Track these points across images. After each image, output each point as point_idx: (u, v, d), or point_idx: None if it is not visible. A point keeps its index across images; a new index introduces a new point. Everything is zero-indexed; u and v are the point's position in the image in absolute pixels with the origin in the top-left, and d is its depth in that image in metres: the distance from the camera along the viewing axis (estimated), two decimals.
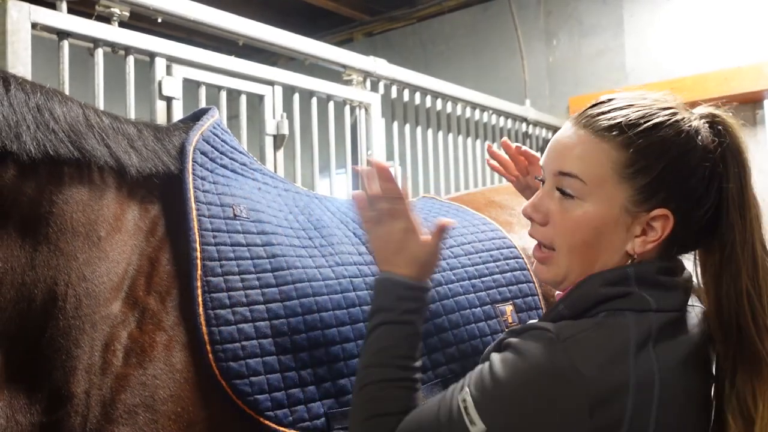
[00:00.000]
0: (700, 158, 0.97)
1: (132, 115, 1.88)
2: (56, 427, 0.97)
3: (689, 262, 1.06)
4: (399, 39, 5.04)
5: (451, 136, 3.28)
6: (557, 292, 1.12)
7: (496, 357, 0.94)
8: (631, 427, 0.88)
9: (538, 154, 1.20)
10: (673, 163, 0.96)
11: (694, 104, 1.04)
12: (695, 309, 1.03)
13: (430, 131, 3.16)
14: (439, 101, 3.19)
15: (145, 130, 1.21)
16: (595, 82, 4.09)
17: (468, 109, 3.38)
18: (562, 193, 1.00)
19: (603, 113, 1.00)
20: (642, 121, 0.98)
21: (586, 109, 1.03)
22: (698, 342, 0.98)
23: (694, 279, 1.04)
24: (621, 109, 0.99)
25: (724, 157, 0.99)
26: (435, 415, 0.95)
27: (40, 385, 0.99)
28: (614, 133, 0.97)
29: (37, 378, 0.99)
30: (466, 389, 0.93)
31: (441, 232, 1.07)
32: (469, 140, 3.39)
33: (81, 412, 0.97)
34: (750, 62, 3.54)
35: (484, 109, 3.48)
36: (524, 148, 1.44)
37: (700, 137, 0.98)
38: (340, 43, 4.55)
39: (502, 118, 3.61)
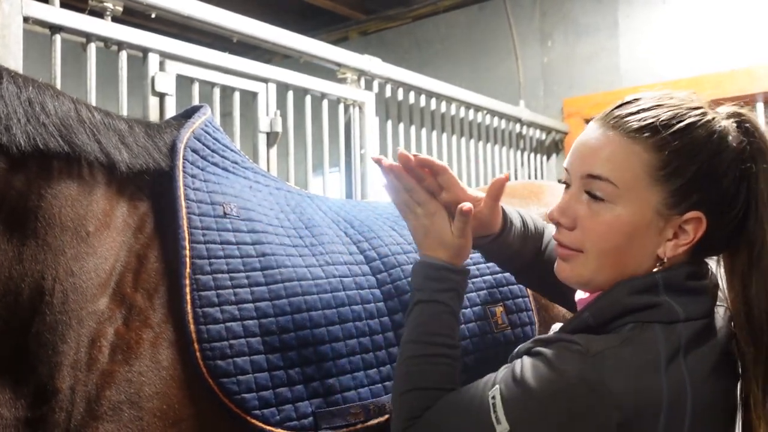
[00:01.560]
0: (732, 159, 0.96)
1: (124, 111, 1.86)
2: (41, 422, 0.96)
3: (712, 262, 1.05)
4: (394, 38, 5.04)
5: (445, 135, 3.27)
6: (578, 295, 1.11)
7: (527, 362, 0.94)
8: None
9: (443, 163, 1.13)
10: (706, 165, 0.95)
11: (714, 104, 1.03)
12: (719, 310, 1.02)
13: (424, 131, 3.15)
14: (433, 101, 3.19)
15: (136, 127, 1.21)
16: (589, 84, 4.09)
17: (462, 109, 3.38)
18: (592, 196, 0.99)
19: (632, 114, 0.98)
20: (674, 122, 0.96)
21: (613, 110, 1.01)
22: (725, 346, 0.97)
23: (720, 281, 1.03)
24: (650, 109, 0.98)
25: (753, 156, 0.98)
26: (467, 405, 0.97)
27: (25, 380, 0.98)
28: (646, 134, 0.96)
29: (23, 372, 0.98)
30: (497, 387, 0.94)
31: (462, 215, 1.07)
32: (463, 140, 3.39)
33: (65, 408, 0.97)
34: (744, 65, 3.56)
35: (478, 109, 3.48)
36: (424, 157, 1.14)
37: (730, 137, 0.97)
38: (335, 42, 4.54)
39: (496, 119, 3.61)
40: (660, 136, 0.95)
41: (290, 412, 1.09)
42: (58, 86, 1.68)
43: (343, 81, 2.67)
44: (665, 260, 0.98)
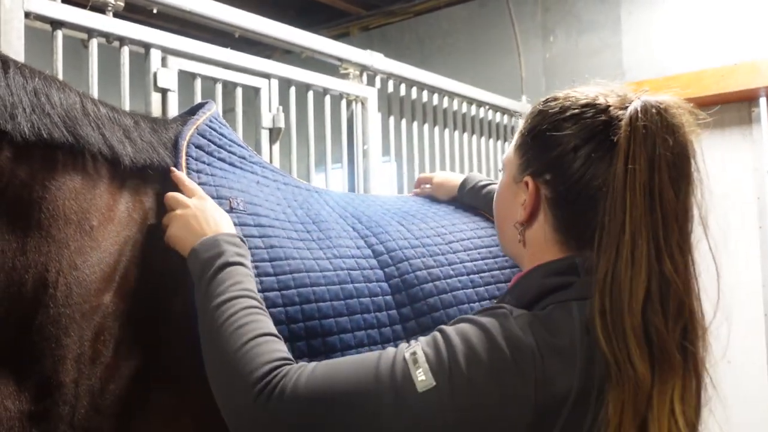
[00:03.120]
0: (576, 131, 0.99)
1: (126, 107, 1.86)
2: (44, 415, 0.96)
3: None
4: (396, 34, 5.02)
5: (447, 131, 3.27)
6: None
7: (449, 328, 0.93)
8: (573, 412, 0.87)
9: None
10: (543, 131, 1.03)
11: (690, 101, 0.98)
12: None
13: (426, 126, 3.15)
14: (435, 96, 3.18)
15: (142, 122, 1.21)
16: (591, 79, 4.07)
17: (464, 105, 3.37)
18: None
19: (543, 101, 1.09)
20: (542, 101, 1.08)
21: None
22: None
23: None
24: (556, 99, 1.06)
25: (625, 146, 0.92)
26: (372, 368, 0.89)
27: (29, 373, 0.98)
28: (529, 112, 1.10)
29: (27, 365, 0.98)
30: (416, 345, 0.91)
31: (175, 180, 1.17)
32: (465, 136, 3.38)
33: (69, 402, 0.97)
34: (746, 60, 3.54)
35: (480, 104, 3.47)
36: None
37: (586, 112, 1.00)
38: (336, 38, 4.52)
39: (498, 114, 3.61)
40: (533, 110, 1.08)
41: None
42: None
43: (345, 77, 2.66)
44: (521, 223, 1.05)
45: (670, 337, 0.88)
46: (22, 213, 1.01)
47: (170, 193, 1.16)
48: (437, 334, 0.92)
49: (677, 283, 0.89)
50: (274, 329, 0.99)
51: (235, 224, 1.18)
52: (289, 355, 0.96)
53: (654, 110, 0.93)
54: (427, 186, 1.81)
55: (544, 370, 0.86)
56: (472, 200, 1.67)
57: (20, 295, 0.99)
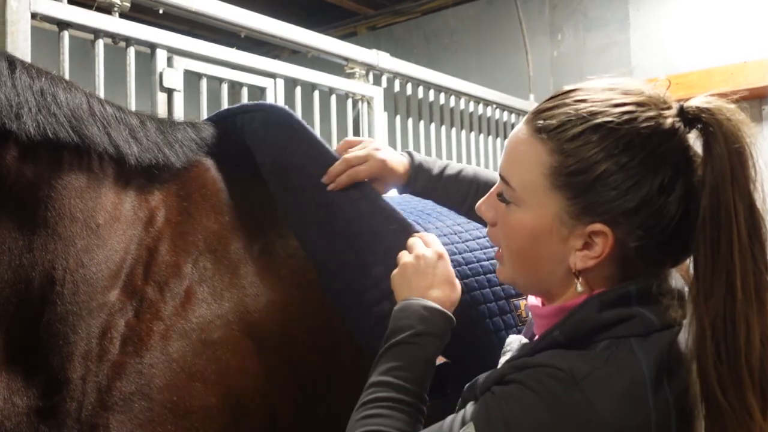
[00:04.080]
0: (654, 167, 0.83)
1: (132, 107, 1.87)
2: (52, 411, 0.97)
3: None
4: (403, 32, 5.02)
5: (454, 130, 3.26)
6: (530, 300, 1.06)
7: (503, 392, 0.84)
8: None
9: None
10: (611, 174, 0.83)
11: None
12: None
13: (432, 125, 3.14)
14: (442, 95, 3.17)
15: (148, 122, 1.21)
16: (599, 77, 4.06)
17: (471, 104, 3.36)
18: (500, 198, 0.93)
19: (549, 109, 0.88)
20: (580, 122, 0.84)
21: (542, 101, 0.92)
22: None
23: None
24: (570, 104, 0.87)
25: (702, 162, 0.83)
26: None
27: (37, 369, 0.99)
28: (546, 134, 0.86)
29: (35, 362, 0.99)
30: (470, 425, 0.84)
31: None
32: (473, 135, 3.38)
33: (77, 398, 0.98)
34: (756, 57, 3.52)
35: (487, 103, 3.46)
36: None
37: (657, 142, 0.83)
38: (343, 37, 4.53)
39: (506, 113, 3.59)
40: (562, 137, 0.85)
41: None
42: None
43: (351, 76, 2.66)
44: (577, 272, 0.87)
45: None
46: (29, 211, 1.02)
47: (412, 239, 1.14)
48: (492, 405, 0.84)
49: None
50: (392, 428, 0.96)
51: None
52: None
53: (725, 116, 0.83)
54: (360, 166, 1.30)
55: None
56: (428, 188, 1.36)
57: (28, 292, 1.00)
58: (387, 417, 0.94)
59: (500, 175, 0.94)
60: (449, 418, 0.88)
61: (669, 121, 0.84)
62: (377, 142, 1.39)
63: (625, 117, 0.83)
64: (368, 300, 1.18)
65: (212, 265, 1.16)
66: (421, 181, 1.35)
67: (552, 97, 0.91)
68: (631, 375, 0.81)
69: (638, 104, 0.85)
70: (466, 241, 1.37)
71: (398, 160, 1.33)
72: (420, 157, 1.36)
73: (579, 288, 0.88)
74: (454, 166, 1.36)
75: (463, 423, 0.84)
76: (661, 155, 0.83)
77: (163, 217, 1.17)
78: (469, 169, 1.36)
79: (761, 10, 3.57)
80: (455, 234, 1.38)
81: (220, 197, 1.25)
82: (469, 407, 0.87)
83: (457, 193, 1.34)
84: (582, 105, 0.86)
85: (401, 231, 1.21)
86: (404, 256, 1.10)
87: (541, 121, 0.87)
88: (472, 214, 1.26)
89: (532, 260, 0.92)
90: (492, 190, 0.98)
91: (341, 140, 1.42)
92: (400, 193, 1.40)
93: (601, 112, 0.84)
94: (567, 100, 0.88)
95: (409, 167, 1.34)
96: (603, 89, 0.88)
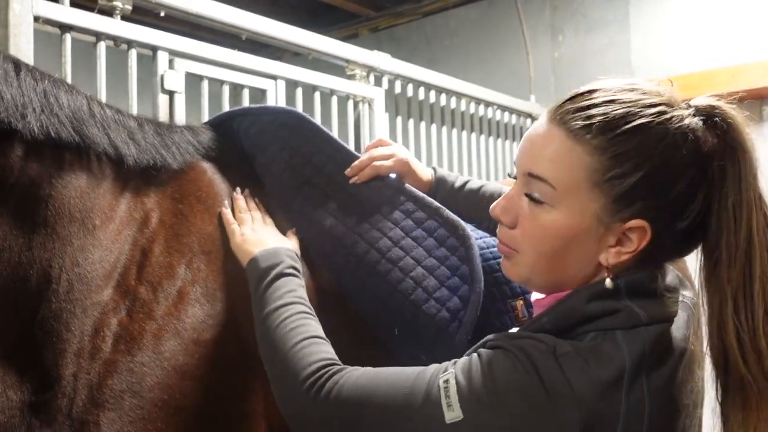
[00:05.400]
0: (687, 164, 0.88)
1: (134, 109, 1.88)
2: (44, 407, 1.00)
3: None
4: (404, 34, 5.02)
5: (455, 131, 3.26)
6: (534, 295, 1.08)
7: (488, 353, 0.89)
8: None
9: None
10: (653, 171, 0.87)
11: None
12: (681, 314, 0.96)
13: (434, 126, 3.15)
14: (443, 96, 3.18)
15: (146, 125, 1.23)
16: (600, 79, 4.06)
17: (472, 105, 3.37)
18: (530, 198, 0.93)
19: (580, 109, 0.91)
20: (621, 122, 0.88)
21: (564, 102, 0.94)
22: (684, 348, 0.92)
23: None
24: (601, 105, 0.90)
25: (719, 156, 0.89)
26: (408, 387, 0.89)
27: (31, 365, 1.01)
28: (589, 135, 0.88)
29: (29, 358, 1.01)
30: (451, 371, 0.88)
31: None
32: (474, 136, 3.38)
33: (68, 395, 1.00)
34: (757, 58, 3.52)
35: (488, 104, 3.46)
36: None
37: (689, 139, 0.88)
38: (345, 39, 4.53)
39: (506, 114, 3.60)
40: (604, 137, 0.88)
41: None
42: None
43: (352, 77, 2.66)
44: (608, 267, 0.91)
45: None
46: (31, 210, 1.04)
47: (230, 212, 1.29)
48: (475, 360, 0.88)
49: None
50: (322, 333, 1.07)
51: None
52: (336, 358, 1.01)
53: (734, 111, 0.91)
54: (384, 162, 1.38)
55: (588, 415, 0.82)
56: (448, 201, 1.41)
57: (25, 289, 1.02)
58: (311, 325, 1.07)
59: (533, 175, 0.93)
60: (432, 365, 0.92)
61: (694, 119, 0.90)
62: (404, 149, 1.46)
63: (661, 117, 0.88)
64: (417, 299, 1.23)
65: (206, 267, 1.18)
66: (442, 192, 1.41)
67: (575, 96, 0.94)
68: (612, 364, 0.85)
69: (667, 104, 0.90)
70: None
71: (423, 167, 1.43)
72: (444, 171, 1.45)
73: (608, 284, 0.91)
74: (476, 181, 1.42)
75: (445, 370, 0.89)
76: (691, 151, 0.88)
77: (158, 219, 1.19)
78: (490, 185, 1.43)
79: (762, 11, 3.57)
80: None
81: (216, 200, 1.27)
82: (453, 360, 0.92)
83: (477, 208, 1.38)
84: (613, 106, 0.89)
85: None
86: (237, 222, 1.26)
87: (579, 122, 0.90)
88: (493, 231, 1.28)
89: (561, 260, 0.93)
90: (510, 192, 0.98)
91: (368, 142, 1.51)
92: None
93: (637, 114, 0.88)
94: (596, 101, 0.91)
95: (432, 177, 1.42)
96: (624, 90, 0.92)
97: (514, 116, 3.65)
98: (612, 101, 0.90)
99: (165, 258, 1.14)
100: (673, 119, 0.89)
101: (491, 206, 1.01)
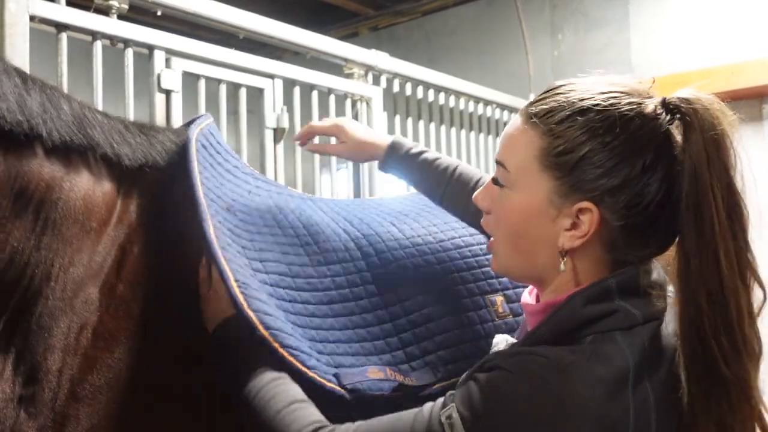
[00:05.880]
0: (639, 149, 0.88)
1: (131, 108, 1.88)
2: (31, 400, 1.03)
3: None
4: (404, 33, 5.02)
5: (454, 130, 3.26)
6: (524, 298, 1.08)
7: (485, 377, 0.87)
8: None
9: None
10: (597, 152, 0.89)
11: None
12: (669, 293, 0.96)
13: (432, 125, 3.15)
14: (442, 95, 3.18)
15: (130, 126, 1.28)
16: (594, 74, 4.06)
17: (471, 104, 3.37)
18: (495, 182, 1.00)
19: (541, 99, 0.96)
20: (573, 105, 0.91)
21: (538, 95, 1.00)
22: (675, 342, 0.91)
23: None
24: (560, 94, 0.94)
25: (681, 149, 0.89)
26: (408, 427, 0.88)
27: (24, 359, 1.04)
28: (539, 119, 0.93)
29: (23, 352, 1.05)
30: (451, 407, 0.87)
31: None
32: (473, 135, 3.38)
33: (53, 389, 1.04)
34: (756, 57, 3.51)
35: (488, 103, 3.46)
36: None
37: (643, 124, 0.89)
38: (345, 38, 4.54)
39: (506, 113, 3.60)
40: (554, 119, 0.92)
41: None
42: (65, 84, 1.70)
43: (350, 76, 2.66)
44: (563, 251, 0.92)
45: (758, 342, 0.87)
46: (43, 213, 1.07)
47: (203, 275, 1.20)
48: (474, 389, 0.86)
49: (760, 281, 0.89)
50: (304, 395, 1.03)
51: (229, 228, 1.22)
52: (323, 419, 0.98)
53: (702, 105, 0.89)
54: (322, 123, 1.52)
55: (600, 423, 0.81)
56: (402, 168, 1.42)
57: (29, 288, 1.05)
58: (289, 392, 1.02)
59: (497, 161, 1.00)
60: (428, 404, 0.91)
61: (651, 107, 0.91)
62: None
63: (610, 101, 0.90)
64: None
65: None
66: (396, 158, 1.42)
67: (545, 91, 0.98)
68: (616, 366, 0.85)
69: (622, 92, 0.92)
70: (441, 241, 1.43)
71: (373, 132, 1.47)
72: (403, 138, 1.44)
73: (562, 267, 0.93)
74: (433, 153, 1.43)
75: (444, 406, 0.88)
76: (642, 137, 0.89)
77: (138, 218, 1.21)
78: (447, 158, 1.42)
79: (761, 10, 3.57)
80: (429, 234, 1.44)
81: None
82: (449, 393, 0.90)
83: (433, 178, 1.38)
84: (571, 93, 0.94)
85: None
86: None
87: (533, 108, 0.95)
88: (447, 202, 1.36)
89: (524, 243, 0.97)
90: (488, 179, 1.04)
91: None
92: (379, 169, 1.46)
93: (587, 98, 0.91)
94: (558, 91, 0.95)
95: (387, 141, 1.42)
96: (592, 82, 0.95)
97: (513, 114, 3.64)
98: (573, 90, 0.94)
99: (145, 258, 1.18)
100: (624, 104, 0.90)
101: (474, 195, 1.07)
